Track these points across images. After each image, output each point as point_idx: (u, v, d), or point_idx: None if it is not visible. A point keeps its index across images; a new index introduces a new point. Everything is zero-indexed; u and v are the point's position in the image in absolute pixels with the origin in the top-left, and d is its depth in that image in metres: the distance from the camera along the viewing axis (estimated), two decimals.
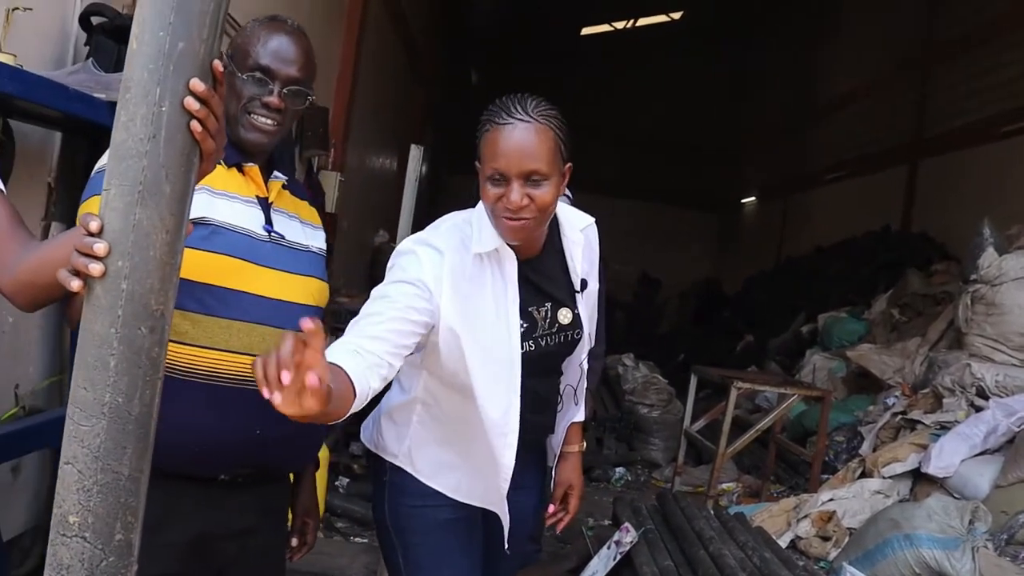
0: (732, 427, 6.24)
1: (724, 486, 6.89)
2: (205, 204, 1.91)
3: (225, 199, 1.97)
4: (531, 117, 2.00)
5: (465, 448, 2.24)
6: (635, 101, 20.85)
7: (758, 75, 20.60)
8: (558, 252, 2.29)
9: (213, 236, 1.90)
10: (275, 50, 2.00)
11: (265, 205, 2.05)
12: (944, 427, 6.00)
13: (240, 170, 2.03)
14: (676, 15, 20.53)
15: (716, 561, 4.01)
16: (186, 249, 1.81)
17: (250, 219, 2.00)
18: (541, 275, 2.23)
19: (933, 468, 5.46)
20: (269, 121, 1.99)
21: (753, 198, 20.32)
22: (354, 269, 9.91)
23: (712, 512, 4.99)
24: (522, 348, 2.14)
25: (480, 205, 2.13)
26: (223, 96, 1.31)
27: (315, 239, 2.18)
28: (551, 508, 2.51)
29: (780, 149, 18.56)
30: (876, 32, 13.99)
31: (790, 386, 6.67)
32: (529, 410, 2.18)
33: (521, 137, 1.98)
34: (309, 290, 2.09)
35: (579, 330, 2.30)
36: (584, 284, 2.33)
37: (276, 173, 2.10)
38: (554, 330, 2.23)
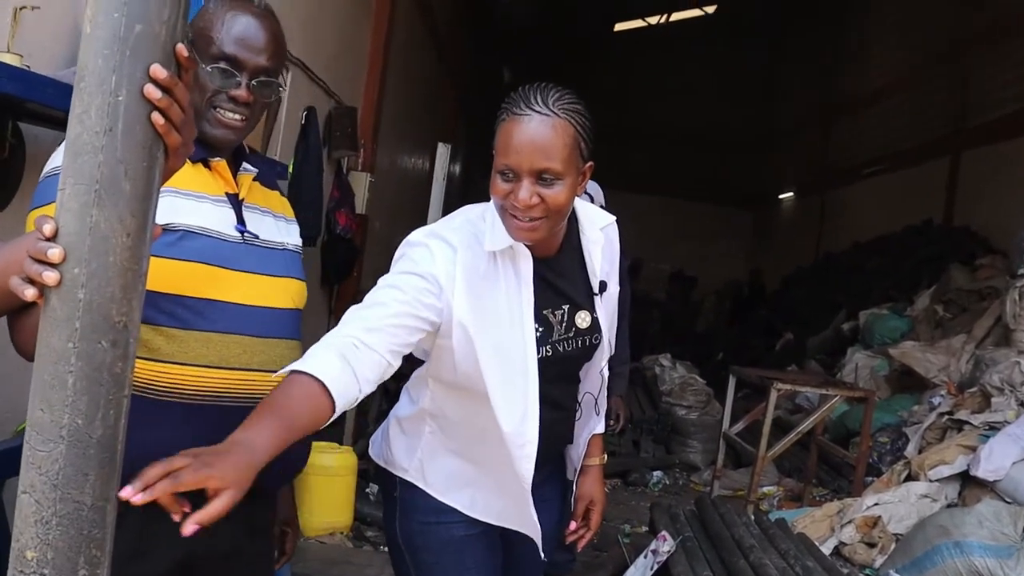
0: (772, 428, 6.06)
1: (765, 490, 6.72)
2: (168, 207, 1.73)
3: (192, 199, 1.80)
4: (551, 110, 1.84)
5: (480, 460, 2.10)
6: (670, 97, 20.69)
7: (793, 68, 20.36)
8: (576, 251, 2.14)
9: (181, 242, 1.74)
10: (241, 36, 1.81)
11: (236, 202, 1.89)
12: (993, 428, 5.79)
13: (207, 166, 1.87)
14: (710, 9, 20.34)
15: (757, 571, 3.85)
16: (153, 258, 1.68)
17: (220, 220, 1.83)
18: (558, 275, 2.07)
19: (982, 471, 5.26)
20: (237, 116, 1.83)
21: (790, 194, 20.07)
22: (386, 271, 9.81)
23: (752, 518, 4.82)
24: (539, 353, 1.99)
25: (493, 206, 1.98)
26: (189, 84, 1.17)
27: (290, 235, 2.03)
28: (572, 525, 2.35)
29: (817, 144, 18.30)
30: (913, 22, 13.74)
31: (832, 387, 6.48)
32: (548, 418, 2.03)
33: (536, 131, 1.82)
34: (288, 293, 1.94)
35: (598, 335, 2.14)
36: (604, 286, 2.16)
37: (245, 165, 1.94)
38: (571, 334, 2.08)
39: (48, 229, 1.05)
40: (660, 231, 20.63)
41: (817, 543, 4.75)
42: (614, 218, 2.25)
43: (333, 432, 6.13)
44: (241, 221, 1.87)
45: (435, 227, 2.01)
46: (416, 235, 1.99)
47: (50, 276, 1.03)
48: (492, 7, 17.56)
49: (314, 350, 1.70)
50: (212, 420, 1.74)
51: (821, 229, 17.17)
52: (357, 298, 6.99)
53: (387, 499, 2.24)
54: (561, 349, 2.06)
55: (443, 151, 5.72)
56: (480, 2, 16.75)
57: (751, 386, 8.53)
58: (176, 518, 1.28)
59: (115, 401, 1.04)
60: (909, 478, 5.70)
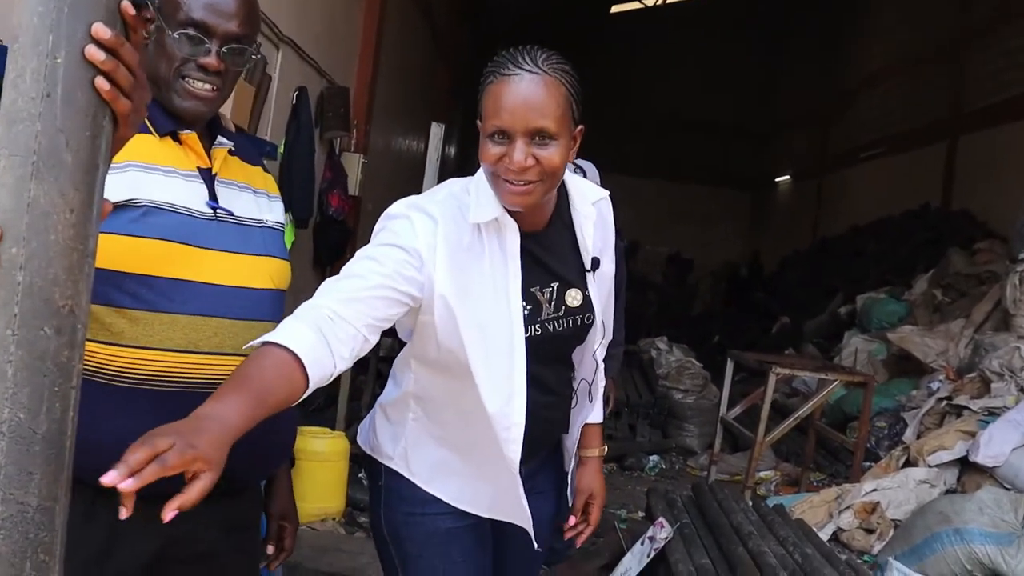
0: (770, 413, 5.99)
1: (762, 475, 6.66)
2: (131, 182, 1.63)
3: (159, 174, 1.69)
4: (541, 69, 1.75)
5: (466, 447, 1.99)
6: (666, 80, 20.61)
7: (791, 52, 20.28)
8: (567, 227, 2.02)
9: (145, 218, 1.63)
10: (211, 1, 1.69)
11: (208, 177, 1.78)
12: (992, 413, 5.74)
13: (176, 139, 1.75)
14: None
15: (755, 559, 3.78)
16: (114, 236, 1.56)
17: (190, 195, 1.72)
18: (547, 251, 1.96)
19: (982, 457, 5.20)
20: (207, 86, 1.72)
21: (787, 177, 20.01)
22: None
23: (750, 504, 4.75)
24: (527, 332, 1.88)
25: (480, 173, 1.88)
26: (138, 44, 1.07)
27: (271, 211, 1.92)
28: (571, 520, 2.24)
29: (814, 127, 18.24)
30: (911, 7, 13.65)
31: (831, 371, 6.40)
32: (538, 401, 1.93)
33: (528, 90, 1.73)
34: (266, 271, 1.82)
35: (590, 314, 2.02)
36: (596, 263, 2.04)
37: (220, 139, 1.82)
38: (561, 313, 1.96)
39: None
40: (657, 214, 20.60)
41: (815, 529, 4.68)
42: (607, 192, 2.13)
43: (325, 417, 6.06)
44: (213, 197, 1.76)
45: (417, 199, 1.90)
46: (396, 207, 1.88)
47: None
48: None
49: (287, 322, 1.62)
50: (182, 407, 1.59)
51: (818, 213, 17.13)
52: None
53: (372, 487, 2.14)
54: (551, 328, 1.95)
55: (436, 130, 5.66)
56: None
57: (748, 370, 8.47)
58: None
59: (61, 393, 0.95)
60: (908, 464, 5.64)
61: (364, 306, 1.69)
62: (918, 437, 6.16)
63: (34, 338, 0.93)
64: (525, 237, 1.90)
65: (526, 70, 1.74)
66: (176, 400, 1.63)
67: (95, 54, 0.98)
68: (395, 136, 11.53)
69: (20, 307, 0.93)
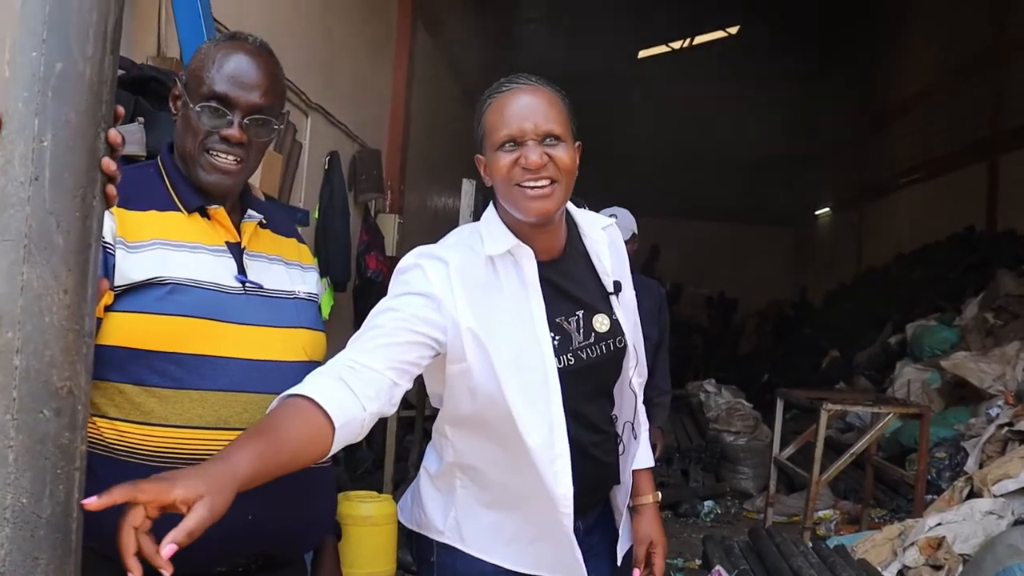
0: (824, 450, 5.87)
1: (821, 514, 6.51)
2: (157, 260, 1.64)
3: (185, 251, 1.69)
4: (536, 83, 1.83)
5: (516, 504, 1.92)
6: (697, 120, 20.57)
7: (823, 83, 20.22)
8: (582, 254, 2.00)
9: (171, 296, 1.63)
10: (233, 74, 1.72)
11: (237, 251, 1.78)
12: None
13: (204, 214, 1.76)
14: (733, 30, 20.24)
15: None
16: (140, 315, 1.59)
17: (217, 270, 1.72)
18: (566, 279, 1.93)
19: None
20: (230, 158, 1.72)
21: (827, 209, 19.86)
22: None
23: (810, 546, 4.64)
24: (560, 363, 1.85)
25: (487, 215, 1.90)
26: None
27: (304, 282, 1.91)
28: (635, 572, 2.16)
29: (852, 157, 18.14)
30: (943, 30, 13.60)
31: (884, 404, 6.27)
32: (585, 439, 1.91)
33: (531, 98, 1.81)
34: (299, 343, 1.81)
35: (621, 337, 1.98)
36: (618, 286, 2.02)
37: (250, 212, 1.83)
38: (591, 340, 1.93)
39: None
40: (698, 256, 20.53)
41: (880, 568, 4.55)
42: (613, 220, 2.13)
43: (372, 480, 6.02)
44: (242, 271, 1.76)
45: (425, 247, 1.89)
46: (406, 259, 1.87)
47: None
48: (514, 46, 17.59)
49: (307, 377, 1.61)
50: None
51: (862, 243, 16.99)
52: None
53: (423, 565, 2.06)
54: (584, 356, 1.91)
55: (468, 187, 5.64)
56: (506, 43, 16.79)
57: (800, 407, 8.33)
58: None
59: (65, 475, 0.93)
60: (972, 495, 5.48)
61: (385, 352, 1.68)
62: (980, 466, 5.99)
63: (34, 421, 0.92)
64: (542, 267, 1.88)
65: (523, 84, 1.81)
66: None
67: (109, 164, 1.02)
68: (430, 194, 11.60)
69: (18, 391, 0.92)
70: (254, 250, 1.82)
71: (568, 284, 1.93)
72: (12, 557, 0.91)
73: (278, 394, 1.69)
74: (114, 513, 1.54)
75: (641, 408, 2.09)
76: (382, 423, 6.68)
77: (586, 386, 1.94)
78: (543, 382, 1.82)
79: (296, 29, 5.88)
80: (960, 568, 4.70)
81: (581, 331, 1.92)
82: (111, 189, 1.06)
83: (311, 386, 1.56)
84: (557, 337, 1.87)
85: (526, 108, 1.78)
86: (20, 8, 0.95)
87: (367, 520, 4.83)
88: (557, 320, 1.88)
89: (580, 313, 1.93)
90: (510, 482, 1.91)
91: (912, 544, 4.95)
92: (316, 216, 6.67)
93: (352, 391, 1.59)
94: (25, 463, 0.91)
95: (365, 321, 1.77)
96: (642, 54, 21.12)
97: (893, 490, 7.17)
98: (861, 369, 10.71)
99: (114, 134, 1.05)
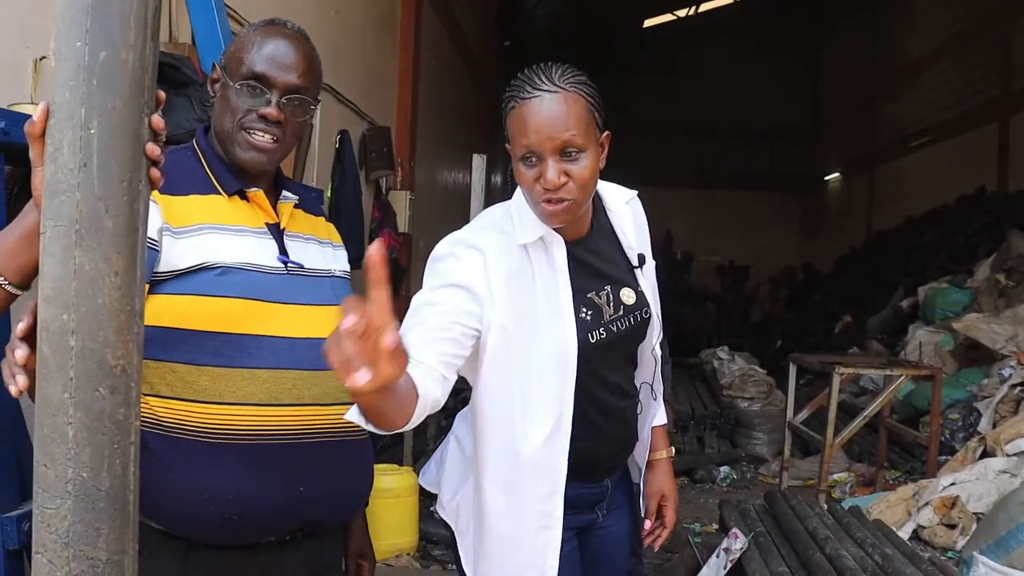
0: (838, 413, 5.91)
1: (835, 477, 6.55)
2: (206, 245, 1.69)
3: (231, 234, 1.74)
4: (558, 86, 1.78)
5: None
6: (705, 88, 20.53)
7: (831, 48, 20.11)
8: (607, 230, 2.05)
9: (221, 279, 1.68)
10: (271, 55, 1.75)
11: (277, 232, 1.83)
12: None
13: (243, 197, 1.81)
14: None
15: (834, 563, 3.73)
16: (193, 297, 1.65)
17: (262, 252, 1.77)
18: (595, 256, 1.99)
19: None
20: (268, 137, 1.75)
21: (836, 174, 19.79)
22: None
23: (825, 508, 4.69)
24: (592, 338, 1.91)
25: (517, 194, 1.93)
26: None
27: (337, 260, 1.97)
28: (647, 524, 2.26)
29: (860, 121, 18.04)
30: None
31: (896, 367, 6.30)
32: (617, 406, 2.01)
33: (550, 110, 1.76)
34: (338, 321, 1.84)
35: (646, 308, 2.05)
36: (642, 259, 2.08)
37: (285, 193, 1.88)
38: (620, 313, 1.98)
39: (20, 327, 1.08)
40: (708, 224, 20.51)
41: (894, 528, 4.61)
42: (635, 192, 2.17)
43: (392, 454, 6.09)
44: (284, 252, 1.81)
45: (460, 234, 1.93)
46: (441, 247, 1.90)
47: (20, 381, 1.09)
48: (519, 19, 17.53)
49: None
50: (269, 460, 1.70)
51: (872, 207, 16.92)
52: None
53: (455, 543, 2.10)
54: (615, 329, 1.97)
55: (479, 162, 5.67)
56: (509, 14, 16.72)
57: (813, 372, 8.36)
58: None
59: (121, 450, 0.98)
60: (985, 454, 5.53)
61: (433, 347, 1.70)
62: (994, 426, 6.03)
63: (91, 399, 0.97)
64: (571, 246, 1.93)
65: (544, 90, 1.77)
66: (263, 453, 1.69)
67: (153, 149, 1.05)
68: (440, 170, 11.62)
69: (75, 370, 0.96)
70: (292, 231, 1.86)
71: (596, 260, 1.98)
72: (75, 528, 0.96)
73: (324, 371, 1.74)
74: (171, 491, 1.62)
75: (659, 373, 2.17)
76: None
77: (615, 356, 2.01)
78: (562, 364, 1.87)
79: (305, 10, 5.92)
80: (974, 526, 4.76)
81: (611, 305, 1.97)
82: (155, 173, 1.10)
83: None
84: (589, 312, 1.92)
85: (546, 120, 1.77)
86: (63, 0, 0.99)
87: (389, 492, 4.91)
88: (588, 295, 1.93)
89: (608, 288, 1.98)
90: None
91: (926, 504, 5.00)
92: (329, 195, 6.71)
93: (419, 377, 1.62)
94: (84, 439, 0.96)
95: (407, 316, 1.79)
96: (648, 22, 21.02)
97: (907, 452, 7.20)
98: (873, 333, 10.72)
99: (156, 119, 1.09)
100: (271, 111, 1.74)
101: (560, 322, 1.88)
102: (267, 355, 1.71)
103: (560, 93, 1.78)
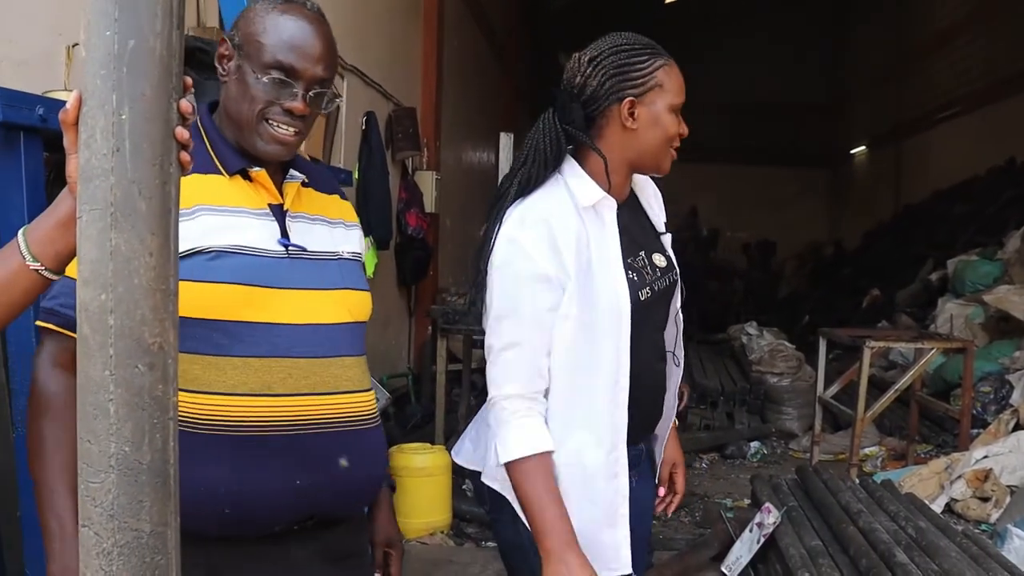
0: (869, 388, 5.90)
1: (867, 451, 6.55)
2: (201, 228, 1.63)
3: (228, 215, 1.68)
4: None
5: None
6: (729, 62, 20.33)
7: (856, 19, 19.90)
8: (634, 199, 2.17)
9: (215, 263, 1.62)
10: (298, 44, 1.68)
11: (280, 213, 1.76)
12: None
13: (245, 176, 1.74)
14: None
15: (867, 536, 3.72)
16: (185, 283, 1.53)
17: (261, 234, 1.70)
18: (632, 222, 2.09)
19: None
20: (291, 130, 1.71)
21: (863, 148, 19.63)
22: (462, 267, 9.81)
23: (857, 482, 4.68)
24: (641, 296, 2.01)
25: (569, 168, 2.01)
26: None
27: (347, 241, 1.90)
28: (660, 491, 2.34)
29: (886, 94, 17.85)
30: None
31: (927, 340, 6.27)
32: (660, 370, 2.16)
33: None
34: (344, 305, 1.80)
35: (675, 272, 2.16)
36: (665, 226, 2.22)
37: (292, 172, 1.80)
38: (657, 275, 2.09)
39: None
40: (734, 200, 20.39)
41: (927, 502, 4.60)
42: None
43: (422, 434, 6.14)
44: (285, 234, 1.75)
45: (523, 212, 1.95)
46: (511, 231, 1.94)
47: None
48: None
49: (534, 425, 1.90)
50: (260, 452, 1.66)
51: (899, 181, 16.78)
52: (436, 297, 6.94)
53: (500, 510, 2.10)
54: (657, 288, 2.08)
55: (506, 141, 5.68)
56: None
57: (842, 347, 8.33)
58: None
59: (161, 424, 1.01)
60: (1018, 427, 5.51)
61: (542, 363, 1.92)
62: None
63: (130, 376, 0.99)
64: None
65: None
66: (254, 444, 1.65)
67: (182, 133, 1.07)
68: (465, 150, 11.63)
69: (114, 348, 0.99)
70: (298, 211, 1.80)
71: (633, 226, 2.08)
72: (119, 501, 0.99)
73: (320, 358, 1.73)
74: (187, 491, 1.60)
75: (680, 337, 2.26)
76: (432, 378, 6.80)
77: (658, 316, 2.13)
78: (617, 321, 1.95)
79: None
80: (1008, 499, 4.75)
81: (648, 267, 2.07)
82: (184, 156, 1.11)
83: (543, 439, 1.89)
84: (634, 275, 2.01)
85: (683, 82, 2.02)
86: None
87: (422, 471, 4.95)
88: (629, 260, 2.01)
89: (643, 252, 2.07)
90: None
91: (959, 477, 4.99)
92: (356, 176, 6.74)
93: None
94: (125, 415, 0.99)
95: (501, 330, 1.92)
96: None
97: (938, 425, 7.18)
98: (902, 307, 10.66)
99: (185, 104, 1.10)
100: (298, 105, 1.69)
101: (612, 281, 1.95)
102: (262, 343, 1.66)
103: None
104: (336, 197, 1.97)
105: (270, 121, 1.70)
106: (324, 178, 1.96)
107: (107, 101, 1.00)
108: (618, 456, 1.98)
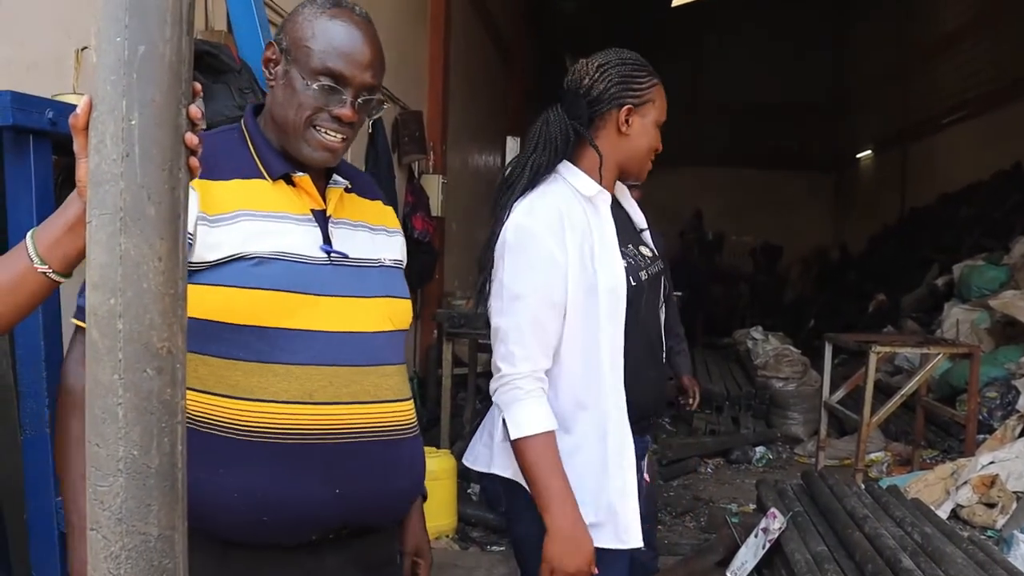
0: (874, 393, 5.89)
1: (872, 457, 6.55)
2: (243, 234, 1.62)
3: (270, 221, 1.66)
4: None
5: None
6: (734, 66, 20.34)
7: (861, 22, 19.87)
8: (616, 201, 2.31)
9: (257, 269, 1.60)
10: (348, 51, 1.67)
11: (323, 219, 1.73)
12: None
13: (289, 182, 1.72)
14: None
15: (873, 542, 3.72)
16: (227, 288, 1.59)
17: (303, 241, 1.68)
18: (617, 219, 2.21)
19: None
20: (339, 136, 1.69)
21: (868, 152, 19.60)
22: (468, 271, 9.81)
23: (863, 487, 4.68)
24: (644, 276, 2.18)
25: (566, 168, 2.17)
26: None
27: (388, 248, 1.87)
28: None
29: (891, 97, 17.81)
30: None
31: (933, 345, 6.26)
32: (665, 350, 2.31)
33: None
34: (384, 313, 1.78)
35: (661, 260, 2.35)
36: (642, 226, 2.39)
37: (336, 178, 1.78)
38: (648, 262, 2.25)
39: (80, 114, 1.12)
40: (739, 204, 20.35)
41: (933, 508, 4.59)
42: None
43: (429, 436, 6.13)
44: (327, 240, 1.72)
45: (531, 202, 2.10)
46: (521, 218, 2.06)
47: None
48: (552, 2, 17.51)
49: (538, 407, 1.99)
50: (300, 460, 1.64)
51: (904, 185, 16.74)
52: (442, 301, 6.92)
53: (514, 500, 2.14)
54: (650, 272, 2.23)
55: (512, 144, 5.70)
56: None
57: (847, 352, 8.33)
58: None
59: (169, 428, 1.01)
60: None
61: (551, 344, 2.03)
62: None
63: (139, 380, 0.99)
64: None
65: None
66: (294, 452, 1.63)
67: (191, 138, 1.07)
68: (472, 153, 11.63)
69: (123, 352, 0.99)
70: (339, 217, 1.78)
71: (619, 223, 2.21)
72: (127, 504, 0.99)
73: (361, 366, 1.71)
74: (201, 490, 1.50)
75: (678, 320, 2.46)
76: (437, 382, 6.80)
77: (654, 299, 2.24)
78: (615, 303, 2.06)
79: None
80: (1014, 505, 4.73)
81: (639, 255, 2.22)
82: (194, 161, 1.13)
83: (551, 418, 1.98)
84: (630, 260, 2.17)
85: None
86: None
87: (428, 475, 4.84)
88: (623, 249, 2.16)
89: (631, 244, 2.23)
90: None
91: (965, 483, 4.98)
92: None
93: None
94: (134, 419, 0.99)
95: (515, 314, 2.01)
96: (676, 1, 20.88)
97: (944, 431, 7.17)
98: (908, 312, 10.65)
99: (194, 110, 1.11)
100: (347, 112, 1.68)
101: (611, 265, 2.07)
102: (303, 350, 1.64)
103: None
104: (378, 203, 1.95)
105: (318, 127, 1.69)
106: (366, 183, 1.95)
107: (117, 106, 1.00)
108: (624, 435, 2.06)
